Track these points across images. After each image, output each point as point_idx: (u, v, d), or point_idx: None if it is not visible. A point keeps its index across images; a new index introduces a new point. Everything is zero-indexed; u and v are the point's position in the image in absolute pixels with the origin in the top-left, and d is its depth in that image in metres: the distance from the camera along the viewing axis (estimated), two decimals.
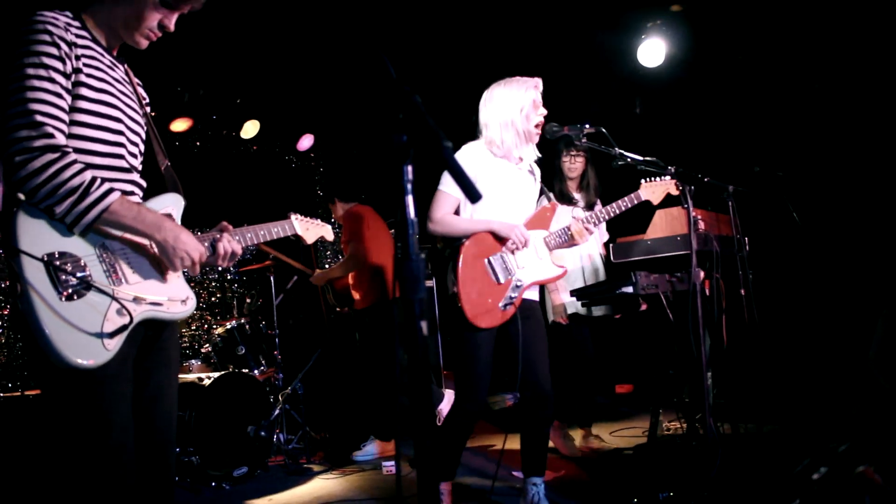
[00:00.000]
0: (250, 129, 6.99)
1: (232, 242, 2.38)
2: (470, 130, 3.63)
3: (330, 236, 3.05)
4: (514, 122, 3.42)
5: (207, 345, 5.50)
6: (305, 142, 7.42)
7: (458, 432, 3.50)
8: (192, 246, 2.18)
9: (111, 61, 2.27)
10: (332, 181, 5.75)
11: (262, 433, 4.94)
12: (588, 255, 4.82)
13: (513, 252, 3.44)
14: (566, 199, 4.87)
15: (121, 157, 2.22)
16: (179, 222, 2.33)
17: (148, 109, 2.47)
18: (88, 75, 2.12)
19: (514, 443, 3.72)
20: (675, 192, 3.63)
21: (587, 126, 3.28)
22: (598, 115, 4.96)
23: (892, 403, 3.78)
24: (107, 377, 1.99)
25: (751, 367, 4.56)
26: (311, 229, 2.92)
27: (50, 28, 2.04)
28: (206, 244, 2.32)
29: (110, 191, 2.05)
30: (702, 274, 3.75)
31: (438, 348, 6.74)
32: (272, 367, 5.58)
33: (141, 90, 2.47)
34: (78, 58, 2.10)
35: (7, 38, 2.05)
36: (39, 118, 1.98)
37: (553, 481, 4.15)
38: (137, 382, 2.13)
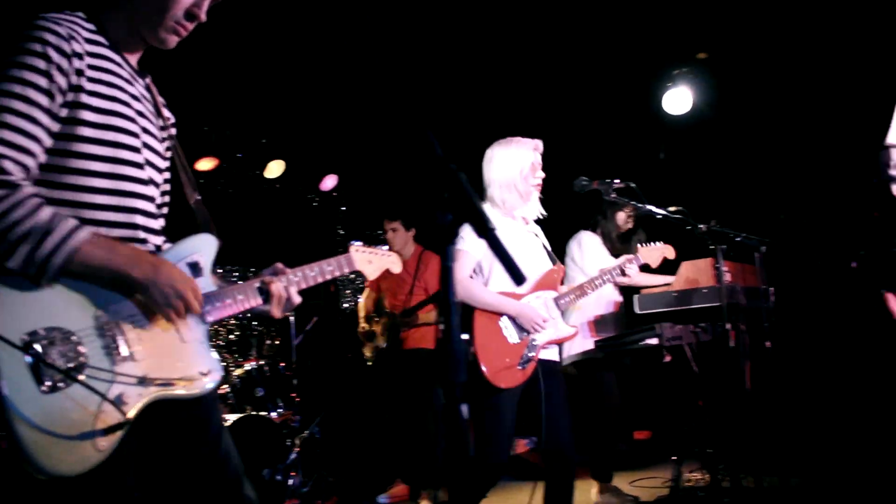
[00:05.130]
0: (275, 168, 7.05)
1: (290, 287, 2.05)
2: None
3: (397, 268, 2.57)
4: (514, 183, 3.44)
5: (225, 385, 5.48)
6: (329, 182, 7.47)
7: (476, 490, 3.43)
8: (177, 277, 1.77)
9: (130, 73, 1.91)
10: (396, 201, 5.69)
11: (278, 476, 4.90)
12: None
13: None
14: (622, 244, 4.81)
15: (133, 194, 1.84)
16: (208, 271, 1.97)
17: (174, 132, 2.11)
18: (93, 93, 1.75)
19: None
20: (671, 256, 3.64)
21: (617, 181, 3.27)
22: (621, 161, 4.95)
23: None
24: (95, 483, 1.59)
25: (774, 418, 4.50)
26: (374, 262, 2.47)
27: (46, 36, 1.68)
28: (254, 290, 2.01)
29: (78, 227, 1.64)
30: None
31: None
32: (290, 409, 5.54)
33: (166, 111, 2.10)
34: (80, 72, 1.72)
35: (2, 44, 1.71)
36: None
37: None
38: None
